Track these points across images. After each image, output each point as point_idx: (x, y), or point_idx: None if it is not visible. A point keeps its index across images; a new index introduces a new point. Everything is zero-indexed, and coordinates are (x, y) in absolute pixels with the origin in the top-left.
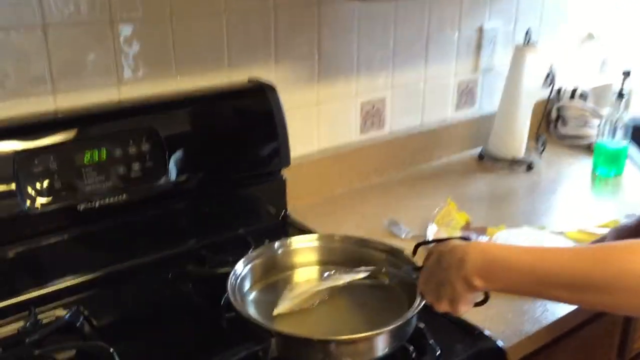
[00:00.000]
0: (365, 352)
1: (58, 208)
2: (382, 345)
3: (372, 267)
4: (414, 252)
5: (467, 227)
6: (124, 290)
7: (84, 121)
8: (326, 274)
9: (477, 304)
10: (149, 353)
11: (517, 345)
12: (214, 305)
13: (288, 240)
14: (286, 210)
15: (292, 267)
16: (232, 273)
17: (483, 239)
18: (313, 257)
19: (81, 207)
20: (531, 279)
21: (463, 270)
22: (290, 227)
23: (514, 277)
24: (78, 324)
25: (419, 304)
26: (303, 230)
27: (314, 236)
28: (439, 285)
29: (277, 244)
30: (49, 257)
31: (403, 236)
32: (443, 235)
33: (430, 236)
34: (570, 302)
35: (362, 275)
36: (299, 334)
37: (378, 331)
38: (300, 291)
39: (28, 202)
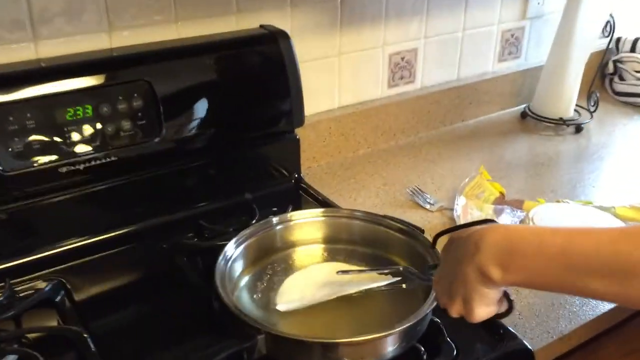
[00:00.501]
0: (369, 355)
1: (37, 170)
2: (388, 347)
3: (391, 270)
4: (433, 243)
5: (500, 199)
6: (112, 261)
7: (67, 72)
8: (340, 271)
9: (499, 316)
10: (127, 337)
11: (549, 346)
12: (209, 282)
13: (288, 215)
14: (299, 173)
15: (292, 246)
16: (221, 256)
17: (519, 214)
18: (317, 234)
19: (63, 169)
20: (560, 264)
21: (477, 257)
22: (302, 193)
23: (540, 263)
24: (58, 299)
25: (431, 302)
26: (316, 198)
27: (318, 211)
28: (452, 282)
29: (275, 220)
30: (28, 224)
31: (428, 207)
32: (473, 209)
33: (458, 210)
34: (606, 297)
35: (381, 284)
36: (289, 334)
37: (383, 333)
38: (308, 293)
39: (3, 164)
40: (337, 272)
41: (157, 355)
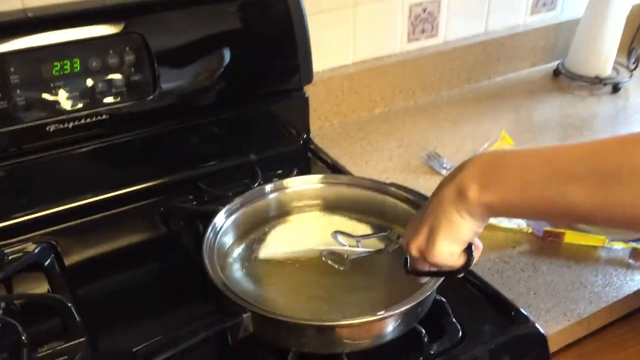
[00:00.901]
0: (364, 338)
1: (23, 129)
2: (385, 329)
3: (383, 234)
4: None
5: None
6: (104, 224)
7: (54, 23)
8: (335, 232)
9: (453, 273)
10: (113, 305)
11: (565, 330)
12: None
13: (284, 182)
14: (308, 134)
15: (287, 215)
16: (209, 227)
17: None
18: (315, 202)
19: (51, 127)
20: (542, 173)
21: (458, 176)
22: (310, 155)
23: (522, 173)
24: (47, 263)
25: (436, 280)
26: (324, 160)
27: (316, 177)
28: (424, 212)
29: (268, 187)
30: (15, 184)
31: (444, 173)
32: None
33: None
34: (585, 206)
35: (372, 250)
36: (276, 314)
37: (379, 316)
38: (294, 244)
39: None
40: (332, 234)
41: (138, 326)
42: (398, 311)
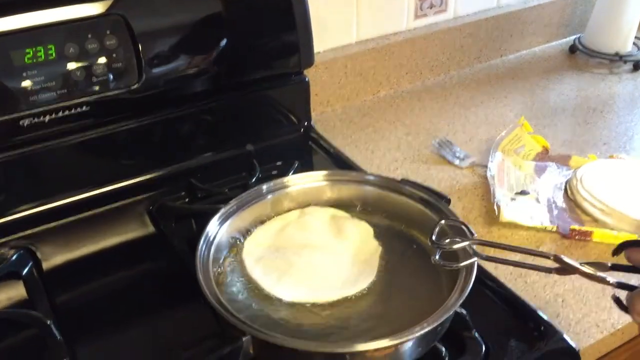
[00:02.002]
0: None
1: None
2: (403, 354)
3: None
4: (616, 252)
5: (543, 154)
6: (88, 225)
7: (24, 5)
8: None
9: None
10: (96, 319)
11: (598, 343)
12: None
13: (284, 180)
14: (309, 121)
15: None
16: (202, 239)
17: (565, 172)
18: (319, 202)
19: (25, 122)
20: None
21: None
22: (312, 145)
23: None
24: (24, 272)
25: (459, 295)
26: (327, 150)
27: (320, 174)
28: None
29: (266, 187)
30: None
31: (457, 163)
32: (510, 167)
33: (492, 168)
34: None
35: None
36: (279, 338)
37: (396, 341)
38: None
39: None
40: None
41: (125, 343)
42: (417, 335)
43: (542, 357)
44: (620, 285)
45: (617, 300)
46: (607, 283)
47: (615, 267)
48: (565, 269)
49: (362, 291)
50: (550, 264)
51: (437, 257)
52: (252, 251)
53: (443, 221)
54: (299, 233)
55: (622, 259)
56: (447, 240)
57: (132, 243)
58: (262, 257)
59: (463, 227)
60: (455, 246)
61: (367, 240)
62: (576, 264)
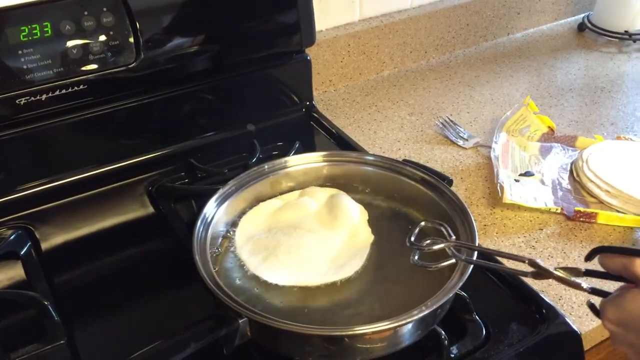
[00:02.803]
0: (376, 347)
1: None
2: (401, 337)
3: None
4: (588, 258)
5: (549, 135)
6: (87, 206)
7: None
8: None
9: None
10: (94, 299)
11: (600, 327)
12: None
13: (283, 160)
14: (311, 100)
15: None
16: (199, 220)
17: (570, 153)
18: (319, 183)
19: (22, 100)
20: None
21: None
22: (314, 124)
23: None
24: (23, 252)
25: (459, 278)
26: (329, 130)
27: (319, 154)
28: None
29: (265, 167)
30: None
31: (461, 143)
32: (514, 148)
33: (496, 149)
34: None
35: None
36: (275, 320)
37: (395, 323)
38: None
39: None
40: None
41: (122, 324)
42: (417, 317)
43: (543, 340)
44: (594, 292)
45: (591, 307)
46: (581, 289)
47: (590, 273)
48: (540, 274)
49: (354, 275)
50: (526, 267)
51: (416, 257)
52: (245, 230)
53: (423, 222)
54: (294, 214)
55: (596, 264)
56: (427, 242)
57: (131, 224)
58: (252, 237)
59: (442, 228)
60: (435, 247)
61: (361, 226)
62: (550, 269)
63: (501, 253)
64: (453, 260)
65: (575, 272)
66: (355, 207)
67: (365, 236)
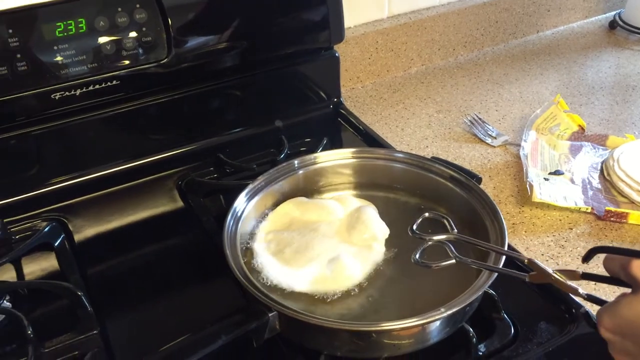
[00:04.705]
0: (404, 343)
1: (26, 97)
2: (429, 334)
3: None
4: (585, 259)
5: (579, 134)
6: (118, 199)
7: None
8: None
9: None
10: (126, 291)
11: None
12: None
13: (312, 156)
14: (339, 97)
15: (318, 194)
16: (229, 215)
17: (601, 152)
18: (348, 179)
19: (57, 95)
20: None
21: None
22: (341, 121)
23: None
24: (57, 244)
25: (487, 277)
26: (357, 127)
27: (349, 151)
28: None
29: (295, 163)
30: (21, 157)
31: (489, 142)
32: (544, 147)
33: (526, 147)
34: None
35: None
36: (304, 315)
37: (424, 320)
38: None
39: None
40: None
41: (153, 315)
42: (445, 314)
43: (572, 340)
44: (590, 298)
45: (586, 315)
46: (578, 294)
47: (586, 276)
48: (538, 276)
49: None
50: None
51: (417, 256)
52: (268, 223)
53: (427, 213)
54: (317, 216)
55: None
56: (429, 232)
57: (161, 217)
58: (272, 231)
59: (445, 221)
60: (435, 237)
61: (377, 243)
62: (549, 271)
63: (502, 251)
64: (452, 260)
65: (573, 275)
66: (378, 224)
67: (376, 253)
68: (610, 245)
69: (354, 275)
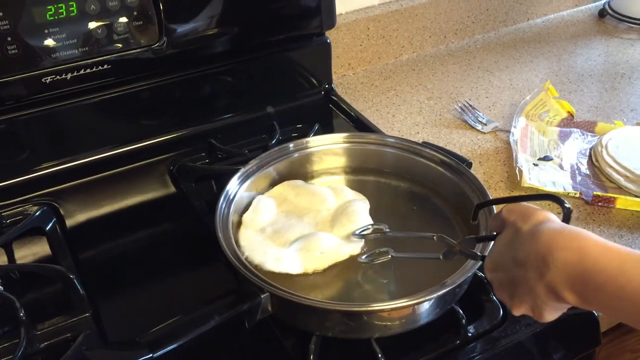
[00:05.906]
0: (395, 324)
1: (16, 80)
2: (419, 314)
3: (430, 235)
4: (474, 216)
5: (568, 121)
6: (110, 184)
7: None
8: (356, 234)
9: None
10: (118, 274)
11: None
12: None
13: (304, 141)
14: (330, 83)
15: (309, 178)
16: (221, 198)
17: (589, 139)
18: (339, 164)
19: (47, 79)
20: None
21: (547, 277)
22: (333, 107)
23: (621, 305)
24: (48, 228)
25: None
26: (348, 113)
27: (340, 135)
28: (514, 283)
29: (287, 147)
30: (12, 141)
31: (479, 128)
32: (533, 132)
33: (515, 133)
34: None
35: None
36: (296, 295)
37: (414, 300)
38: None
39: None
40: (353, 235)
41: (145, 297)
42: (435, 295)
43: (560, 321)
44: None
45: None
46: (477, 258)
47: (481, 239)
48: (448, 252)
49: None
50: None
51: (364, 257)
52: (258, 204)
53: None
54: (308, 202)
55: None
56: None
57: (153, 202)
58: (261, 211)
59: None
60: (365, 232)
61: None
62: (454, 242)
63: (410, 234)
64: (389, 256)
65: (472, 242)
66: (364, 219)
67: (351, 248)
68: (489, 199)
69: (330, 248)
